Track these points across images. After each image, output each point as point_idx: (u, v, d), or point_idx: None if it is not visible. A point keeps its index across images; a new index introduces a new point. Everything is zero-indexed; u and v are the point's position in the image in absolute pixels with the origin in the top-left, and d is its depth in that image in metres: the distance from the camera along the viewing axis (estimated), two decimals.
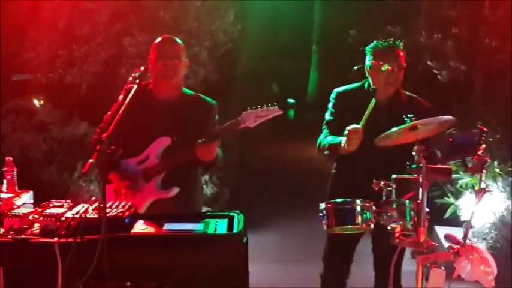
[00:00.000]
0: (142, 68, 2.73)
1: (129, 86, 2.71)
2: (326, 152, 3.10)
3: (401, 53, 3.06)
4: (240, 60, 7.75)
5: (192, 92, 3.19)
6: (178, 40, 3.11)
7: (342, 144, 2.93)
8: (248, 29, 7.71)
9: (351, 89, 3.22)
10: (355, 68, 3.21)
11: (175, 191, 3.01)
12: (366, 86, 3.15)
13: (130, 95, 2.56)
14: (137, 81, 2.65)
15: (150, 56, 3.07)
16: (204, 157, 2.92)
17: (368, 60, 3.12)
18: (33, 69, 5.96)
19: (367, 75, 3.15)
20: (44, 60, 5.83)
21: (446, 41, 5.62)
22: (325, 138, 3.13)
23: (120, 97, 2.97)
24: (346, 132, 2.88)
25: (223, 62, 6.37)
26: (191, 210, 3.08)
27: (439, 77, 5.60)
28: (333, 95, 3.24)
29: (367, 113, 2.88)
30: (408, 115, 2.63)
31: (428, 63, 5.61)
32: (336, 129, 3.08)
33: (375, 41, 3.14)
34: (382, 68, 3.00)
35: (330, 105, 3.24)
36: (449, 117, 2.66)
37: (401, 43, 3.12)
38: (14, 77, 6.29)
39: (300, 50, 16.08)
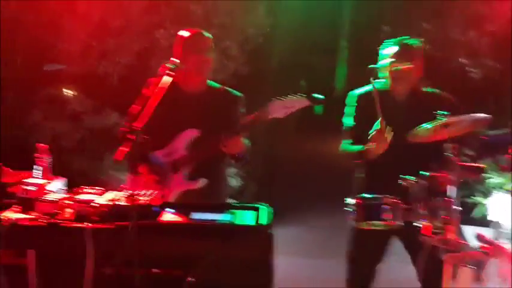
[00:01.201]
0: (178, 60, 2.73)
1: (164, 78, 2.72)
2: (353, 160, 3.05)
3: (415, 51, 3.01)
4: (270, 55, 7.74)
5: (219, 85, 3.19)
6: (208, 34, 3.12)
7: (372, 147, 2.87)
8: (279, 24, 7.68)
9: (370, 90, 3.08)
10: (371, 67, 3.14)
11: (202, 182, 3.03)
12: (381, 87, 3.06)
13: (165, 84, 2.56)
14: (171, 73, 2.66)
15: (177, 50, 3.05)
16: (231, 150, 2.93)
17: (380, 60, 3.07)
18: (67, 60, 6.06)
19: (381, 76, 3.08)
20: (77, 51, 5.93)
21: (481, 39, 5.52)
22: (350, 146, 3.07)
23: (145, 90, 3.02)
24: (370, 137, 2.84)
25: (254, 56, 6.37)
26: (216, 201, 3.10)
27: (473, 75, 5.50)
28: (354, 99, 3.16)
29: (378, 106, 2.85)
30: (441, 111, 2.59)
31: (461, 60, 5.52)
32: (360, 135, 3.01)
33: (385, 41, 3.08)
34: (393, 68, 2.97)
35: (351, 110, 3.15)
36: (484, 115, 2.61)
37: (419, 40, 3.06)
38: (46, 66, 6.42)
39: (330, 46, 15.96)
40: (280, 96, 2.83)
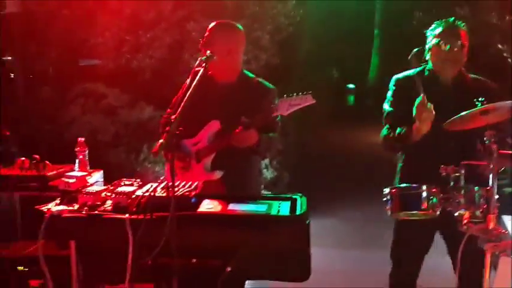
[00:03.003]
0: (208, 52, 2.75)
1: (197, 69, 2.75)
2: (395, 144, 2.98)
3: (463, 32, 2.95)
4: (301, 44, 7.70)
5: (253, 75, 3.18)
6: (238, 25, 3.13)
7: (417, 124, 2.80)
8: (309, 13, 7.64)
9: (411, 75, 3.05)
10: (415, 50, 3.08)
11: (218, 174, 3.03)
12: (426, 71, 3.03)
13: (198, 78, 2.59)
14: (204, 65, 2.67)
15: (207, 40, 3.05)
16: (239, 143, 2.92)
17: (429, 42, 3.01)
18: (101, 54, 6.17)
19: (427, 58, 3.03)
20: (111, 46, 6.03)
21: None
22: (390, 130, 3.00)
23: (188, 80, 3.05)
24: (414, 111, 2.78)
25: (285, 46, 6.36)
26: (246, 192, 3.07)
27: (510, 60, 5.38)
28: (392, 82, 3.10)
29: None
30: (479, 99, 2.54)
31: (499, 46, 5.39)
32: (399, 120, 2.95)
33: (434, 22, 3.02)
34: (445, 48, 2.90)
35: (389, 94, 3.10)
36: None
37: (463, 23, 3.00)
38: (81, 62, 6.55)
39: (361, 34, 15.77)
40: (312, 88, 2.81)
